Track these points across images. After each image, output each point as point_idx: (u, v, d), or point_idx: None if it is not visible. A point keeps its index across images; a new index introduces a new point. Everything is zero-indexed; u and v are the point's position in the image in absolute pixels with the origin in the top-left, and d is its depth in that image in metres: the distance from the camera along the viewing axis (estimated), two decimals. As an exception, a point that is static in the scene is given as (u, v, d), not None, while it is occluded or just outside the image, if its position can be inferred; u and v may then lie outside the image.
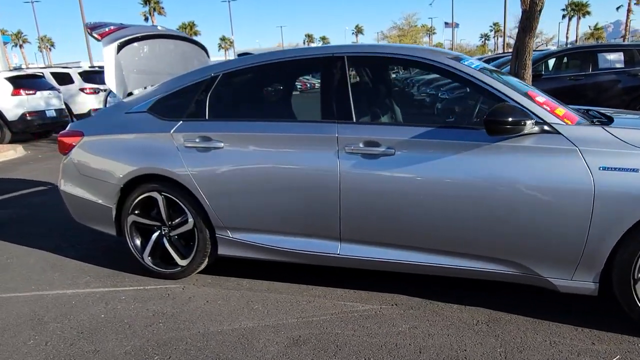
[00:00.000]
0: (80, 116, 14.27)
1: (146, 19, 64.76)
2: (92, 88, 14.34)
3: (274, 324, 3.13)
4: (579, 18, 67.53)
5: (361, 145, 3.09)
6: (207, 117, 3.56)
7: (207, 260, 3.71)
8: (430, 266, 3.09)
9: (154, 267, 3.81)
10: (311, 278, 3.74)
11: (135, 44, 4.11)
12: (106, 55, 3.91)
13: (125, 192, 3.75)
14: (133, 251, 3.84)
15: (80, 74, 14.63)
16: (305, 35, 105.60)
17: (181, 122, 3.59)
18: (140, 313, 3.34)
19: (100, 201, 3.84)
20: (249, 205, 3.41)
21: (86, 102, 14.22)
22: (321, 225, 3.29)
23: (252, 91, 3.73)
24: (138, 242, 3.85)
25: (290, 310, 3.29)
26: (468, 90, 3.17)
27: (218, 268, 3.91)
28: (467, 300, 3.31)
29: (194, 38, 5.03)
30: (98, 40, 3.96)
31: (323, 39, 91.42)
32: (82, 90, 14.22)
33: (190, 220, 3.61)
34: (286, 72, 3.67)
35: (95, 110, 14.36)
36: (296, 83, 4.37)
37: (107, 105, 4.34)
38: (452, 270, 3.06)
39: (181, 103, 3.66)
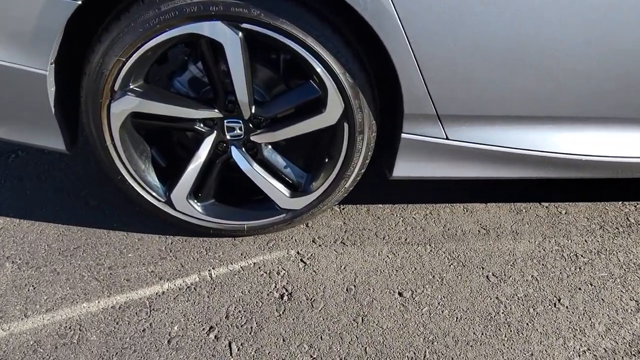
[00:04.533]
0: None
1: None
2: None
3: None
4: None
5: None
6: None
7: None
8: None
9: (206, 217, 1.38)
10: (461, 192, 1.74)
11: None
12: None
13: (87, 24, 1.04)
14: (134, 185, 1.31)
15: None
16: None
17: None
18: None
19: None
20: (532, 52, 1.10)
21: None
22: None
23: None
24: (146, 165, 1.31)
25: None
26: None
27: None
28: None
29: None
30: None
31: None
32: None
33: (336, 100, 1.15)
34: None
35: None
36: None
37: None
38: None
39: None
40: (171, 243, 1.45)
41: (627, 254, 1.49)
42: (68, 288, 1.30)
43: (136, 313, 1.25)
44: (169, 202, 1.34)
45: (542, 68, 1.12)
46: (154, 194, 1.32)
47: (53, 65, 1.10)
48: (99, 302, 1.27)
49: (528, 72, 1.13)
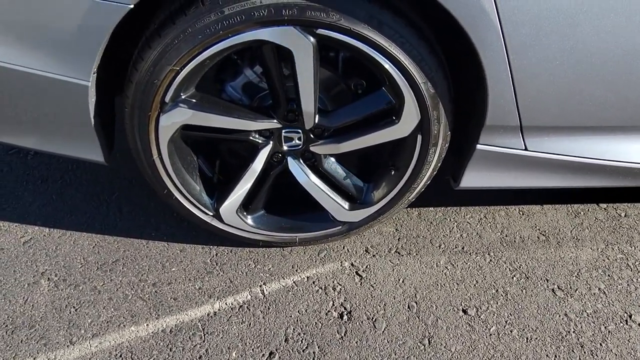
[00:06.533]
0: None
1: None
2: None
3: None
4: None
5: None
6: None
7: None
8: None
9: (257, 230, 1.27)
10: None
11: None
12: None
13: (132, 34, 0.89)
14: (181, 199, 1.19)
15: None
16: None
17: None
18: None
19: (30, 68, 0.92)
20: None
21: None
22: None
23: None
24: (194, 178, 1.18)
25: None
26: None
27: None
28: None
29: None
30: None
31: None
32: None
33: (412, 111, 1.03)
34: None
35: None
36: None
37: None
38: None
39: None
40: (216, 255, 1.35)
41: (693, 262, 1.42)
42: (112, 309, 1.20)
43: (189, 337, 1.16)
44: (217, 216, 1.22)
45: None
46: (202, 207, 1.20)
47: (95, 74, 0.95)
48: (147, 325, 1.18)
49: (629, 84, 1.00)
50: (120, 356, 1.12)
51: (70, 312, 1.19)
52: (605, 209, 1.58)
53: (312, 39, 0.92)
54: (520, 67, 0.95)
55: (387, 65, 0.96)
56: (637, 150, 1.19)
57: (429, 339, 1.19)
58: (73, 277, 1.27)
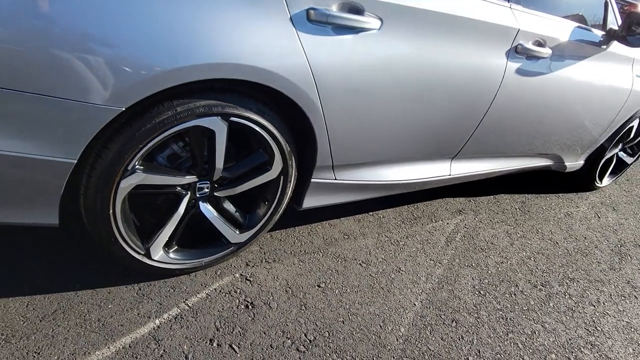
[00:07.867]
0: None
1: None
2: None
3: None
4: None
5: (530, 44, 2.19)
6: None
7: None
8: (509, 169, 2.80)
9: (175, 262, 1.74)
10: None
11: None
12: None
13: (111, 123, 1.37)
14: (123, 244, 1.59)
15: None
16: None
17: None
18: (275, 362, 1.59)
19: (25, 152, 1.27)
20: (386, 123, 1.94)
21: None
22: (448, 142, 2.29)
23: None
24: (130, 226, 1.60)
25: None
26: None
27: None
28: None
29: None
30: None
31: None
32: None
33: (278, 162, 1.75)
34: None
35: None
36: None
37: None
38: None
39: None
40: (140, 289, 1.72)
41: (420, 235, 2.50)
42: (72, 345, 1.46)
43: (147, 345, 1.52)
44: (147, 254, 1.64)
45: (394, 137, 1.96)
46: (136, 248, 1.60)
47: (79, 154, 1.33)
48: (109, 347, 1.49)
49: (388, 139, 1.95)
50: (98, 372, 1.41)
51: (34, 357, 1.40)
52: (372, 215, 2.56)
53: (226, 123, 1.54)
54: (332, 133, 1.77)
55: (266, 136, 1.64)
56: (392, 174, 2.15)
57: (305, 306, 1.85)
58: (21, 331, 1.46)
